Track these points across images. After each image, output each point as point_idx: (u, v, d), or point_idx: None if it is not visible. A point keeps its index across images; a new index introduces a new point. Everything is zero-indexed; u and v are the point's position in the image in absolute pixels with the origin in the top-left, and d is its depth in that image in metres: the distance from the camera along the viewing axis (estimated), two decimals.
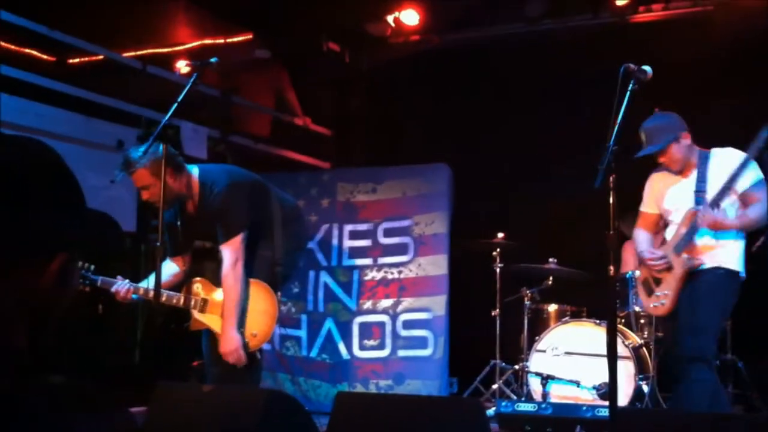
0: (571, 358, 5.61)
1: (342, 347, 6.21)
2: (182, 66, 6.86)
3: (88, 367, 5.18)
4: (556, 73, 7.01)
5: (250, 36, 7.57)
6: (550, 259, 6.22)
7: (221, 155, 6.49)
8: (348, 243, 6.35)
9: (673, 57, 6.17)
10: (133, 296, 4.28)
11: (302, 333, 6.31)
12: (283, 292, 6.30)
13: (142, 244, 5.96)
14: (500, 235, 6.31)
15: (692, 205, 4.33)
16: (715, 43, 6.41)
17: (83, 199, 1.37)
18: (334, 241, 6.38)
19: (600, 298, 5.20)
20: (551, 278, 6.32)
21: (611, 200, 3.51)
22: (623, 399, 5.28)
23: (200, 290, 4.38)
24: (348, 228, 6.36)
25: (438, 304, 5.99)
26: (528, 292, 6.24)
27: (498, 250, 6.30)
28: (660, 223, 4.62)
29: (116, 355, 5.73)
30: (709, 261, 4.31)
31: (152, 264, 4.06)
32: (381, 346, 6.13)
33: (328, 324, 6.26)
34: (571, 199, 6.03)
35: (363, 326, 6.20)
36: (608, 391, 3.45)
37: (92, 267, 4.29)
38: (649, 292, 4.50)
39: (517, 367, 6.10)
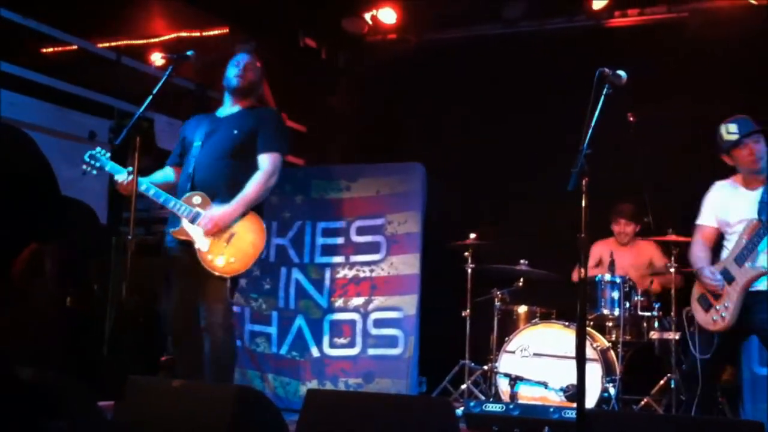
0: (539, 359, 5.65)
1: (312, 345, 6.20)
2: (157, 58, 6.81)
3: (56, 361, 5.13)
4: (532, 76, 7.05)
5: (226, 30, 7.53)
6: (521, 261, 6.25)
7: None
8: (321, 240, 6.34)
9: (648, 62, 6.25)
10: (139, 189, 4.25)
11: (272, 330, 6.29)
12: (254, 289, 6.31)
13: (114, 237, 5.92)
14: (472, 235, 6.33)
15: (755, 216, 4.33)
16: (689, 49, 6.49)
17: (58, 187, 1.37)
18: (307, 239, 6.37)
19: (569, 300, 5.25)
20: (522, 279, 6.36)
21: (583, 203, 3.52)
22: (590, 401, 5.32)
23: (197, 203, 4.42)
24: (321, 225, 6.36)
25: (409, 304, 6.01)
26: (498, 293, 6.26)
27: (470, 250, 6.32)
28: (716, 238, 4.61)
29: (84, 349, 5.68)
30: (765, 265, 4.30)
31: (123, 256, 4.04)
32: (351, 345, 6.13)
33: (299, 321, 6.25)
34: (544, 201, 6.06)
35: (334, 324, 6.19)
36: (576, 392, 3.47)
37: (107, 153, 4.42)
38: (707, 308, 4.44)
39: (486, 367, 6.13)
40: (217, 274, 4.35)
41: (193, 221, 4.38)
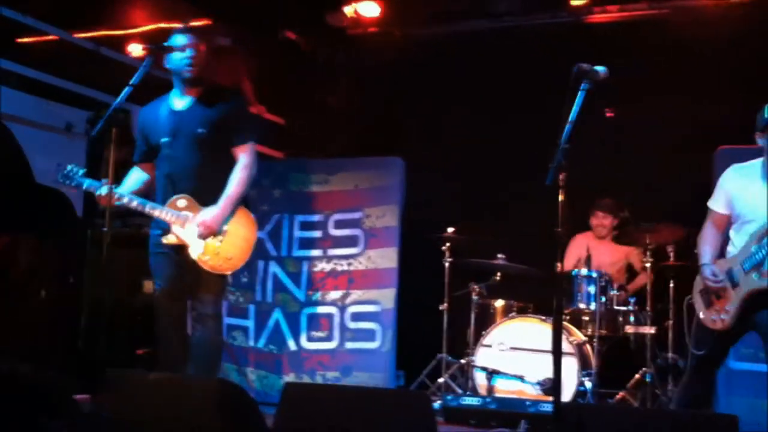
0: (516, 353, 5.67)
1: (290, 338, 6.20)
2: (137, 49, 6.76)
3: (32, 355, 5.10)
4: (515, 71, 7.07)
5: (207, 22, 7.49)
6: (499, 255, 6.27)
7: None
8: (298, 234, 6.34)
9: (628, 58, 6.29)
10: (117, 203, 4.30)
11: (250, 323, 6.29)
12: (232, 282, 6.29)
13: (89, 230, 5.88)
14: (450, 229, 6.34)
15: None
16: (670, 45, 6.53)
17: (33, 177, 1.36)
18: (285, 232, 6.37)
19: (546, 294, 5.28)
20: (499, 274, 6.38)
21: (561, 198, 3.54)
22: (566, 395, 5.36)
23: (183, 207, 4.39)
24: (299, 219, 6.36)
25: (387, 297, 6.02)
26: (476, 287, 6.28)
27: (448, 244, 6.33)
28: (727, 224, 4.38)
29: (59, 342, 5.65)
30: None
31: (99, 249, 4.02)
32: (329, 338, 6.13)
33: (276, 315, 6.25)
34: (522, 195, 6.09)
35: (311, 317, 6.20)
36: (552, 386, 3.50)
37: (81, 171, 4.37)
38: (708, 304, 4.29)
39: (463, 361, 6.15)
40: (217, 273, 4.37)
41: (183, 225, 4.36)
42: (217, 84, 4.65)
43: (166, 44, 4.37)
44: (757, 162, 4.29)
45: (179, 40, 4.43)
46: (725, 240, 4.40)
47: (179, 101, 4.53)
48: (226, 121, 4.44)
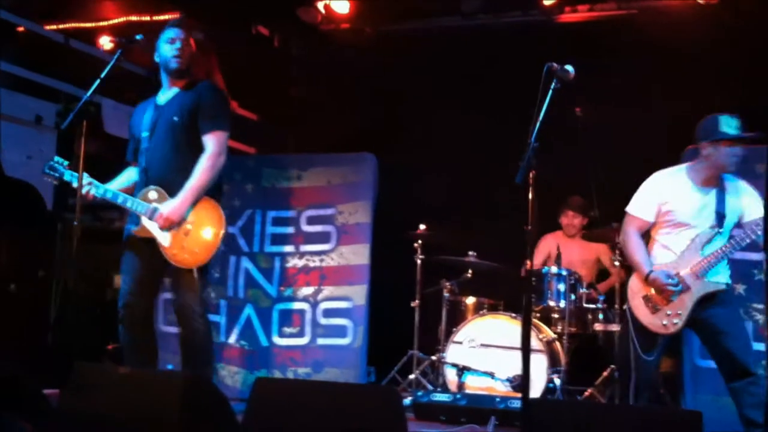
0: (486, 350, 5.71)
1: (261, 334, 6.18)
2: (106, 42, 6.71)
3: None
4: (487, 69, 7.11)
5: (177, 15, 7.43)
6: (470, 252, 6.31)
7: None
8: (271, 229, 6.33)
9: (598, 58, 6.34)
10: (96, 194, 4.33)
11: (221, 318, 6.26)
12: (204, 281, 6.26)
13: (59, 223, 5.83)
14: (422, 226, 6.37)
15: (710, 225, 4.28)
16: (639, 45, 6.59)
17: (2, 169, 1.35)
18: (257, 228, 6.35)
19: (517, 292, 5.32)
20: (470, 271, 6.41)
21: (530, 196, 3.57)
22: (536, 391, 5.41)
23: (153, 198, 4.38)
24: (271, 214, 6.34)
25: (358, 294, 6.03)
26: (447, 284, 6.31)
27: (419, 241, 6.36)
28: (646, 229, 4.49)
29: (29, 336, 5.60)
30: (722, 280, 4.35)
31: (69, 243, 4.00)
32: (300, 334, 6.13)
33: (248, 310, 6.24)
34: (493, 193, 6.13)
35: (283, 313, 6.19)
36: (521, 383, 3.52)
37: (66, 162, 4.35)
38: (654, 310, 4.35)
39: (434, 357, 6.18)
40: (183, 267, 4.33)
41: (151, 218, 4.35)
42: (200, 78, 4.62)
43: (137, 37, 4.35)
44: (681, 168, 4.48)
45: (169, 33, 4.50)
46: (649, 244, 4.50)
47: (164, 95, 4.58)
48: (198, 108, 4.44)
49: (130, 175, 4.63)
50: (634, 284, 4.45)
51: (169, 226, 4.32)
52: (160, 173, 4.41)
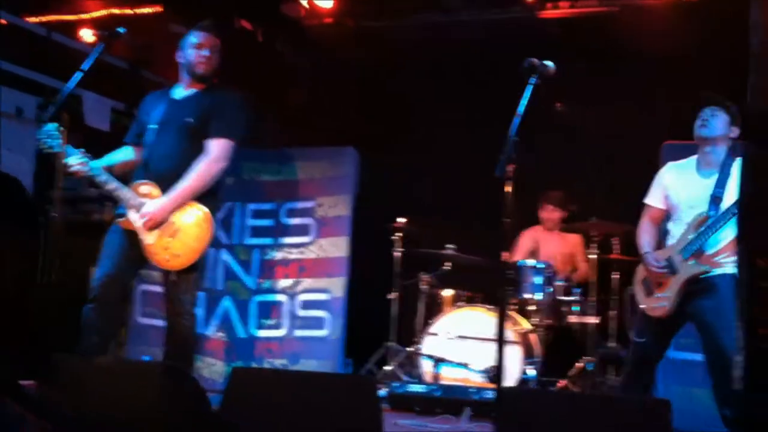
0: (462, 341, 5.76)
1: (239, 326, 6.22)
2: (88, 35, 6.71)
3: None
4: (469, 64, 7.16)
5: (159, 8, 7.44)
6: (448, 245, 6.36)
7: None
8: (250, 222, 6.36)
9: (579, 53, 6.40)
10: (90, 174, 4.23)
11: (200, 310, 6.26)
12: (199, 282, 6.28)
13: (40, 216, 5.84)
14: (401, 219, 6.42)
15: (706, 209, 4.28)
16: (620, 42, 6.65)
17: None
18: (236, 220, 6.38)
19: (494, 284, 5.37)
20: (449, 264, 6.47)
21: (508, 189, 3.62)
22: (510, 382, 5.46)
23: (144, 193, 4.32)
24: (251, 207, 6.38)
25: (337, 286, 6.07)
26: (425, 276, 6.37)
27: (398, 234, 6.41)
28: (663, 218, 4.55)
29: (7, 328, 5.61)
30: (717, 267, 4.29)
31: (49, 235, 4.01)
32: (278, 326, 6.17)
33: (226, 302, 6.27)
34: (472, 186, 6.18)
35: (261, 305, 6.22)
36: (495, 373, 3.58)
37: (61, 127, 4.22)
38: (648, 293, 4.43)
39: (410, 349, 6.24)
40: (163, 268, 4.31)
41: (137, 211, 4.30)
42: (221, 84, 4.58)
43: (119, 30, 4.35)
44: (693, 158, 4.49)
45: (197, 37, 4.49)
46: (664, 234, 4.55)
47: (180, 93, 4.53)
48: (213, 112, 4.39)
49: (121, 156, 4.56)
50: (638, 270, 4.56)
51: (152, 225, 4.27)
52: (161, 170, 4.34)
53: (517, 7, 7.22)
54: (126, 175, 4.47)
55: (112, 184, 4.29)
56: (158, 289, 4.75)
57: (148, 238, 4.29)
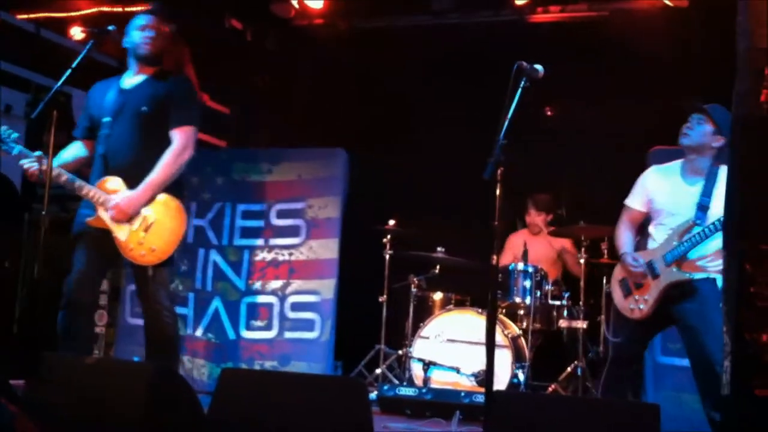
0: (452, 345, 5.77)
1: (229, 327, 6.19)
2: (78, 32, 6.67)
3: None
4: (459, 67, 7.16)
5: (149, 6, 7.40)
6: (438, 248, 6.36)
7: None
8: (240, 223, 6.33)
9: (568, 58, 6.42)
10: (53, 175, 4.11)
11: (188, 311, 6.26)
12: (172, 275, 6.25)
13: (27, 213, 5.80)
14: (391, 222, 6.41)
15: (692, 216, 4.30)
16: (609, 46, 6.68)
17: None
18: (226, 221, 6.35)
19: (483, 287, 5.37)
20: (438, 267, 6.47)
21: (497, 192, 3.63)
22: (500, 386, 5.47)
23: (112, 189, 4.27)
24: (241, 208, 6.35)
25: (327, 288, 6.05)
26: (415, 279, 6.37)
27: (388, 236, 6.40)
28: (642, 221, 4.57)
29: None
30: (699, 272, 4.31)
31: (36, 234, 3.98)
32: (268, 327, 6.15)
33: (216, 303, 6.24)
34: (462, 189, 6.17)
35: (251, 306, 6.20)
36: (485, 376, 3.58)
37: (15, 135, 4.20)
38: (626, 293, 4.45)
39: (400, 352, 6.23)
40: (139, 264, 4.26)
41: (106, 208, 4.24)
42: (170, 68, 4.53)
43: (109, 28, 4.33)
44: (677, 163, 4.51)
45: (140, 20, 4.43)
46: (644, 236, 4.57)
47: (129, 80, 4.47)
48: (169, 100, 4.35)
49: (74, 152, 4.50)
50: (617, 269, 4.58)
51: (123, 218, 4.22)
52: (121, 162, 4.30)
53: (507, 10, 7.24)
54: (79, 172, 4.39)
55: (76, 182, 4.25)
56: None
57: (121, 234, 4.25)
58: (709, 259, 4.31)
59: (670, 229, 4.37)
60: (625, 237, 4.56)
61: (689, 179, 4.42)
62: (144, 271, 4.29)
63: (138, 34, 4.43)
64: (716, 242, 4.24)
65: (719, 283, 4.30)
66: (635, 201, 4.58)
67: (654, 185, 4.52)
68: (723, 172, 4.30)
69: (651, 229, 4.53)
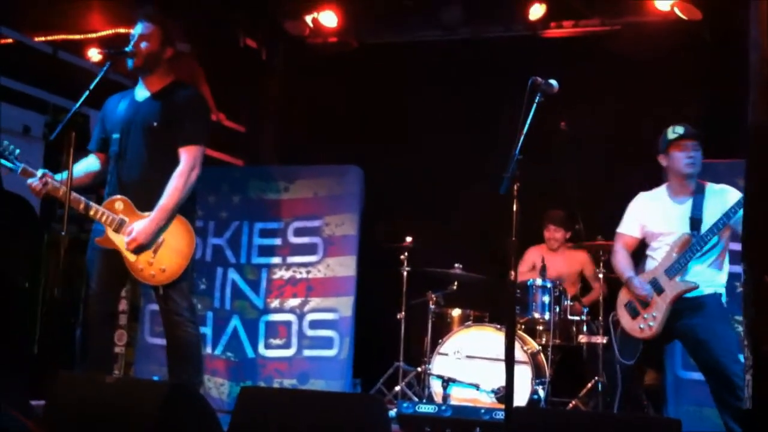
0: (472, 361, 5.73)
1: (248, 345, 6.19)
2: (95, 54, 6.73)
3: None
4: (471, 82, 7.17)
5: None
6: (456, 264, 6.35)
7: None
8: (258, 241, 6.33)
9: (582, 72, 6.41)
10: (59, 195, 4.23)
11: (207, 330, 6.25)
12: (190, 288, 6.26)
13: (46, 234, 5.84)
14: (408, 238, 6.41)
15: (687, 230, 4.45)
16: (622, 60, 6.67)
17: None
18: (244, 239, 6.35)
19: (502, 303, 5.35)
20: (456, 283, 6.45)
21: (514, 207, 3.63)
22: (520, 402, 5.42)
23: (120, 209, 4.32)
24: (258, 226, 6.35)
25: (345, 305, 6.03)
26: (433, 295, 6.35)
27: (406, 253, 6.39)
28: (636, 247, 4.73)
29: (15, 347, 5.59)
30: (704, 286, 4.43)
31: (56, 254, 4.01)
32: (287, 345, 6.13)
33: (234, 322, 6.24)
34: (479, 205, 6.17)
35: (269, 325, 6.19)
36: (504, 393, 3.56)
37: (17, 150, 4.24)
38: (634, 315, 4.54)
39: (419, 369, 6.20)
40: (149, 284, 4.31)
41: (117, 230, 4.30)
42: (179, 80, 4.54)
43: (126, 49, 4.37)
44: (662, 188, 4.70)
45: (135, 29, 4.44)
46: (643, 261, 4.71)
47: (142, 92, 4.50)
48: (177, 114, 4.36)
49: (87, 166, 4.54)
50: (621, 294, 4.69)
51: (139, 249, 4.27)
52: (130, 179, 4.35)
53: (520, 26, 7.26)
54: (91, 187, 4.48)
55: (83, 204, 4.29)
56: None
57: (131, 256, 4.30)
58: (710, 271, 4.46)
59: (667, 245, 4.51)
60: (625, 262, 4.69)
61: (677, 199, 4.59)
62: (157, 291, 4.34)
63: (130, 45, 4.42)
64: (715, 253, 4.45)
65: (723, 298, 4.53)
66: (629, 227, 4.74)
67: (645, 210, 4.69)
68: (709, 187, 4.55)
69: (649, 251, 4.67)
